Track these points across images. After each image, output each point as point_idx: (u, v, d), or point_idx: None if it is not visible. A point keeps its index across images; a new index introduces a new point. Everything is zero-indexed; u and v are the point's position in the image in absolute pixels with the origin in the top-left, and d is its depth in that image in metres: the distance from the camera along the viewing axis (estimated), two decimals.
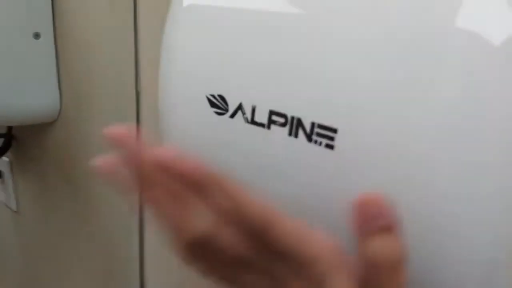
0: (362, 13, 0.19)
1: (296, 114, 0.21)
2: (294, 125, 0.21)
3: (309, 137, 0.21)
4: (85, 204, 0.67)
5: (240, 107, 0.23)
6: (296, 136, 0.21)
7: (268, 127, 0.22)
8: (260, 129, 0.22)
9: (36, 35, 0.57)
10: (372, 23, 0.19)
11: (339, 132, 0.20)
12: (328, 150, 0.20)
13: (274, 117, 0.22)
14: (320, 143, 0.20)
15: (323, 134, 0.20)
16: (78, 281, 0.73)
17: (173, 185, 0.18)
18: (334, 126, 0.20)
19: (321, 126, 0.20)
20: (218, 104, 0.24)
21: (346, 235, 0.21)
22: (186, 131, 0.26)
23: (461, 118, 0.18)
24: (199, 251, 0.19)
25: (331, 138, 0.20)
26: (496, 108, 0.18)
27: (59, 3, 0.57)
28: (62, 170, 0.68)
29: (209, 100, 0.24)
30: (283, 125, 0.21)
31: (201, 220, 0.18)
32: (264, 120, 0.22)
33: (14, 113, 0.61)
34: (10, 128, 0.70)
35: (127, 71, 0.53)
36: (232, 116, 0.23)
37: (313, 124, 0.20)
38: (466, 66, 0.18)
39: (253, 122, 0.23)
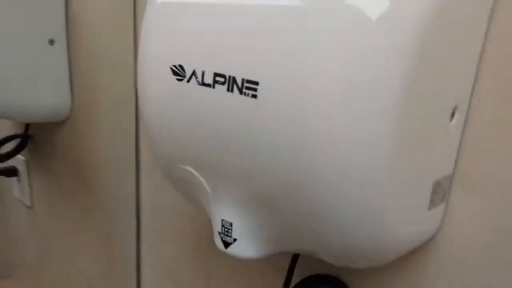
0: None
1: (232, 74, 0.27)
2: (231, 83, 0.27)
3: (240, 91, 0.27)
4: (91, 198, 0.73)
5: (193, 73, 0.29)
6: (232, 91, 0.27)
7: (213, 87, 0.28)
8: (207, 88, 0.28)
9: (51, 41, 0.65)
10: None
11: (260, 84, 0.26)
12: (253, 99, 0.26)
13: (217, 78, 0.28)
14: (248, 94, 0.26)
15: (249, 87, 0.26)
16: (84, 267, 0.78)
17: None
18: (254, 79, 0.26)
19: (248, 81, 0.26)
20: (179, 72, 0.30)
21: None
22: (155, 95, 0.32)
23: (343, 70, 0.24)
24: None
25: (255, 90, 0.26)
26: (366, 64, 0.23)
27: (71, 12, 0.65)
28: (72, 167, 0.75)
29: (172, 69, 0.30)
30: (223, 83, 0.28)
31: None
32: (210, 81, 0.28)
33: (30, 111, 0.68)
34: (26, 128, 0.78)
35: (130, 74, 0.60)
36: (188, 80, 0.30)
37: (242, 80, 0.26)
38: (349, 34, 0.24)
39: (203, 84, 0.29)
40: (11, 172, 0.86)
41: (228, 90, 0.27)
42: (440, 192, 0.33)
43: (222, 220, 0.33)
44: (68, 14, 0.65)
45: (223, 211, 0.33)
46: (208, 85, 0.28)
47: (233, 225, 0.33)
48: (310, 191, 0.26)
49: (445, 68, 0.28)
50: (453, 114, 0.30)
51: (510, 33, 0.30)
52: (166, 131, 0.33)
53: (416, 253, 0.37)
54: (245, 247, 0.33)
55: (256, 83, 0.26)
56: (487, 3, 0.30)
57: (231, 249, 0.33)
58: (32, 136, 0.79)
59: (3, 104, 0.64)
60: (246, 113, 0.27)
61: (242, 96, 0.27)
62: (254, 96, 0.26)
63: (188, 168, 0.33)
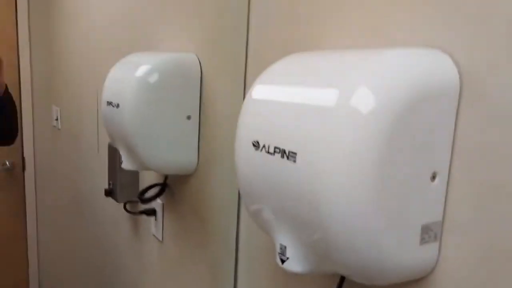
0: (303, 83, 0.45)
1: (283, 147, 0.46)
2: (282, 152, 0.46)
3: (287, 157, 0.45)
4: (205, 235, 0.95)
5: (263, 146, 0.48)
6: (283, 157, 0.46)
7: (273, 154, 0.47)
8: (270, 155, 0.47)
9: (188, 117, 0.90)
10: (303, 91, 0.44)
11: (298, 154, 0.44)
12: (294, 163, 0.44)
13: (276, 149, 0.47)
14: (291, 160, 0.45)
15: (292, 156, 0.44)
16: (194, 273, 0.99)
17: None
18: (294, 151, 0.44)
19: (291, 152, 0.45)
20: (255, 144, 0.50)
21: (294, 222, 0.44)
22: (242, 158, 0.52)
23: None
24: None
25: (294, 156, 0.44)
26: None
27: (203, 96, 0.90)
28: (194, 209, 0.98)
29: (252, 143, 0.50)
30: (278, 153, 0.46)
31: None
32: (272, 151, 0.47)
33: (169, 166, 0.93)
34: (165, 179, 1.04)
35: None
36: (261, 150, 0.49)
37: (288, 151, 0.45)
38: (348, 124, 0.41)
39: (268, 152, 0.48)
40: (151, 212, 1.12)
41: (281, 157, 0.46)
42: (431, 233, 0.46)
43: (280, 244, 0.51)
44: (201, 97, 0.90)
45: (280, 238, 0.51)
46: (271, 153, 0.47)
47: (287, 248, 0.50)
48: (324, 228, 0.43)
49: (417, 147, 0.43)
50: (434, 177, 0.45)
51: (473, 123, 0.44)
52: (247, 181, 0.52)
53: (416, 285, 0.50)
54: (295, 264, 0.50)
55: (295, 154, 0.44)
56: (453, 104, 0.45)
57: (285, 265, 0.50)
58: (169, 185, 1.05)
59: (152, 160, 0.90)
60: (289, 171, 0.45)
61: (288, 161, 0.45)
62: (294, 160, 0.44)
63: (258, 206, 0.52)
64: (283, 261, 0.50)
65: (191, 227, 0.99)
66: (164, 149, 0.90)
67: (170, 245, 1.09)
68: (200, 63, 0.89)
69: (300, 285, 0.70)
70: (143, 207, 1.13)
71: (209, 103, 0.89)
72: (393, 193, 0.42)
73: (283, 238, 0.50)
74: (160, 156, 0.91)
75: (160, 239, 1.11)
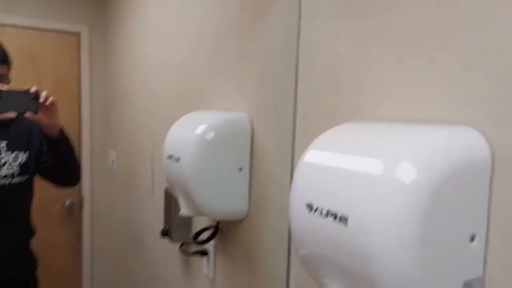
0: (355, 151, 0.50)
1: (335, 211, 0.51)
2: (334, 216, 0.51)
3: (339, 220, 0.50)
4: (254, 277, 0.99)
5: (317, 209, 0.54)
6: (335, 220, 0.51)
7: (326, 217, 0.52)
8: (323, 218, 0.53)
9: (240, 169, 0.97)
10: (353, 159, 0.49)
11: (349, 218, 0.49)
12: (345, 226, 0.50)
13: (329, 213, 0.52)
14: (342, 223, 0.50)
15: (343, 219, 0.50)
16: None
17: None
18: (346, 216, 0.49)
19: (343, 216, 0.50)
20: (309, 207, 0.55)
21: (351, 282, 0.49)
22: (297, 218, 0.58)
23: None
24: None
25: (346, 221, 0.49)
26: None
27: (254, 150, 0.97)
28: (244, 252, 1.03)
29: (306, 205, 0.56)
30: (331, 215, 0.52)
31: None
32: (324, 214, 0.53)
33: (222, 213, 1.00)
34: (218, 223, 1.10)
35: (287, 193, 0.87)
36: (314, 212, 0.54)
37: (341, 215, 0.50)
38: (393, 194, 0.46)
39: (321, 214, 0.53)
40: (204, 253, 1.18)
41: (334, 220, 0.51)
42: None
43: None
44: (252, 152, 0.97)
45: (331, 285, 0.55)
46: (324, 216, 0.53)
47: None
48: (374, 281, 0.48)
49: (455, 213, 0.47)
50: (472, 239, 0.49)
51: (506, 191, 0.48)
52: (301, 240, 0.57)
53: None
54: None
55: (346, 218, 0.49)
56: (486, 176, 0.49)
57: None
58: (221, 229, 1.11)
59: (208, 207, 0.97)
60: (341, 233, 0.50)
61: (340, 224, 0.50)
62: (345, 224, 0.49)
63: (312, 257, 0.57)
64: None
65: (241, 268, 1.04)
66: (218, 197, 0.96)
67: (221, 284, 1.14)
68: (251, 122, 0.97)
69: None
70: (196, 248, 1.19)
71: (259, 157, 0.96)
72: (434, 253, 0.46)
73: (334, 285, 0.55)
74: (215, 203, 0.97)
75: (211, 277, 1.17)
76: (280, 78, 0.86)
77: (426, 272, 0.47)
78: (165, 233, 1.28)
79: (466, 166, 0.47)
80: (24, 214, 1.43)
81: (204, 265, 1.21)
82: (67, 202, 2.04)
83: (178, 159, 0.96)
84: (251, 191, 0.99)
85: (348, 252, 0.50)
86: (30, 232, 1.46)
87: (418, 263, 0.46)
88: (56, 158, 1.34)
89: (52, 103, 1.25)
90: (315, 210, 0.54)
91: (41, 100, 1.22)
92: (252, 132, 0.97)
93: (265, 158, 0.94)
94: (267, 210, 0.94)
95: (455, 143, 0.48)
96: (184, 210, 1.01)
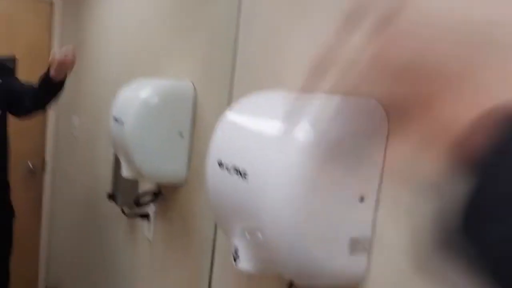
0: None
1: (238, 167, 0.51)
2: (239, 171, 0.51)
3: (241, 175, 0.50)
4: (188, 238, 0.99)
5: (224, 165, 0.54)
6: (237, 175, 0.51)
7: (230, 173, 0.52)
8: (229, 173, 0.53)
9: (181, 134, 0.96)
10: (260, 121, 0.49)
11: (248, 173, 0.49)
12: (245, 181, 0.50)
13: (233, 169, 0.52)
14: (243, 177, 0.50)
15: (245, 174, 0.50)
16: (177, 270, 1.03)
17: None
18: (246, 171, 0.49)
19: (244, 172, 0.50)
20: (220, 163, 0.55)
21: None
22: (210, 173, 0.58)
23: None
24: None
25: (246, 176, 0.50)
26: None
27: (196, 117, 0.96)
28: (182, 216, 1.03)
29: (218, 162, 0.56)
30: (234, 171, 0.52)
31: None
32: (231, 169, 0.53)
33: (161, 176, 0.99)
34: (159, 188, 1.09)
35: None
36: (223, 168, 0.54)
37: (242, 171, 0.50)
38: (288, 150, 0.47)
39: (227, 170, 0.53)
40: (145, 216, 1.17)
41: (237, 175, 0.51)
42: (360, 245, 0.51)
43: (234, 245, 0.56)
44: (194, 118, 0.96)
45: (235, 240, 0.56)
46: (230, 172, 0.53)
47: (238, 249, 0.55)
48: (265, 233, 0.48)
49: (347, 173, 0.48)
50: (362, 200, 0.50)
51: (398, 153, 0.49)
52: (213, 192, 0.58)
53: None
54: (245, 263, 0.55)
55: (246, 174, 0.50)
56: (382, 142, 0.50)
57: (237, 263, 0.55)
58: (162, 193, 1.10)
59: (147, 170, 0.96)
60: (242, 187, 0.50)
61: (242, 179, 0.50)
62: (246, 179, 0.50)
63: (221, 213, 0.57)
64: (235, 260, 0.55)
65: (177, 232, 1.04)
66: (158, 161, 0.95)
67: (159, 246, 1.14)
68: (194, 90, 0.96)
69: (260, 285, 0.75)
70: (139, 211, 1.18)
71: (200, 123, 0.95)
72: (322, 209, 0.47)
73: (236, 240, 0.55)
74: (154, 166, 0.96)
75: (151, 239, 1.16)
76: (221, 49, 0.86)
77: (312, 226, 0.47)
78: (111, 196, 1.27)
79: (361, 131, 0.48)
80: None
81: (145, 228, 1.20)
82: (30, 165, 1.99)
83: (122, 123, 0.94)
84: (191, 158, 0.98)
85: (247, 206, 0.50)
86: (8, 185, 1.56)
87: (305, 217, 0.47)
88: (42, 96, 1.40)
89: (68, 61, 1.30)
90: (225, 167, 0.54)
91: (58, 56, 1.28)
92: (195, 100, 0.96)
93: (205, 126, 0.94)
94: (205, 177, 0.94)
95: (353, 109, 0.49)
96: (125, 172, 1.00)
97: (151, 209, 1.15)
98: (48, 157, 2.03)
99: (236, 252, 0.55)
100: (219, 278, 0.89)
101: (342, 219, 0.49)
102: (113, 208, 1.44)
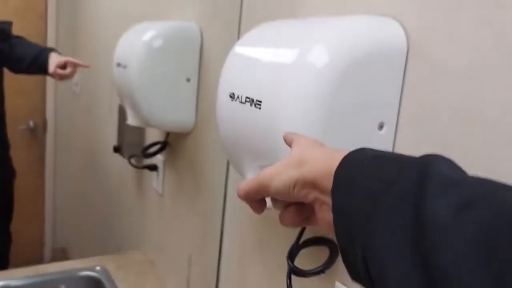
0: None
1: (252, 96, 0.50)
2: (251, 101, 0.50)
3: (255, 105, 0.50)
4: (201, 189, 1.00)
5: (237, 96, 0.53)
6: (252, 105, 0.50)
7: (245, 103, 0.52)
8: (242, 104, 0.52)
9: (188, 80, 0.95)
10: (271, 50, 0.48)
11: (263, 101, 0.49)
12: (259, 109, 0.49)
13: (247, 99, 0.51)
14: (257, 107, 0.49)
15: (258, 103, 0.49)
16: (187, 223, 1.05)
17: None
18: (260, 99, 0.49)
19: (257, 100, 0.49)
20: (231, 95, 0.54)
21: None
22: (221, 106, 0.57)
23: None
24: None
25: (260, 104, 0.49)
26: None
27: (203, 61, 0.94)
28: (191, 165, 1.03)
29: (229, 94, 0.55)
30: (248, 101, 0.51)
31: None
32: (244, 101, 0.52)
33: (168, 123, 0.98)
34: (166, 136, 1.09)
35: None
36: (235, 100, 0.54)
37: (256, 100, 0.50)
38: (304, 75, 0.46)
39: (241, 102, 0.52)
40: (153, 167, 1.18)
41: (251, 105, 0.51)
42: None
43: None
44: (201, 62, 0.94)
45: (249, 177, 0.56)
46: (243, 103, 0.52)
47: None
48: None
49: (364, 99, 0.47)
50: (381, 126, 0.49)
51: (422, 76, 0.48)
52: (224, 127, 0.57)
53: None
54: None
55: (260, 101, 0.49)
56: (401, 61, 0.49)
57: None
58: (169, 143, 1.10)
59: (153, 117, 0.95)
60: (255, 115, 0.50)
61: (255, 108, 0.50)
62: (260, 107, 0.49)
63: (234, 148, 0.57)
64: None
65: (187, 181, 1.05)
66: (164, 107, 0.95)
67: (169, 197, 1.15)
68: (201, 32, 0.94)
69: (276, 232, 0.75)
70: (146, 162, 1.19)
71: (207, 67, 0.94)
72: (339, 136, 0.47)
73: (250, 174, 0.55)
74: (161, 113, 0.96)
75: (160, 192, 1.18)
76: None
77: None
78: (117, 149, 1.27)
79: (380, 53, 0.47)
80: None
81: (153, 180, 1.21)
82: (31, 124, 1.99)
83: (125, 67, 0.93)
84: (198, 103, 0.97)
85: (262, 136, 0.50)
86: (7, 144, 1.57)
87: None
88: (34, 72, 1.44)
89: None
90: (236, 98, 0.53)
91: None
92: (202, 43, 0.94)
93: (213, 69, 0.92)
94: (213, 123, 0.93)
95: (370, 31, 0.47)
96: (131, 120, 1.00)
97: (159, 159, 1.16)
98: (49, 116, 2.03)
99: None
100: (231, 225, 0.90)
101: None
102: (119, 162, 1.45)
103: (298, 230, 0.51)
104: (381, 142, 0.50)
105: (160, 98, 0.94)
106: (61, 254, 2.02)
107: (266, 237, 0.77)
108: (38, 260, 2.04)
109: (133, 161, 1.17)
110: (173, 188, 1.12)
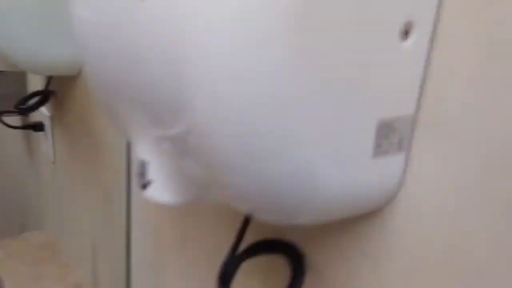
0: None
1: None
2: None
3: None
4: (99, 155, 0.71)
5: None
6: None
7: None
8: None
9: None
10: None
11: None
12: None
13: None
14: None
15: None
16: (89, 202, 0.77)
17: None
18: None
19: None
20: None
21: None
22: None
23: None
24: None
25: None
26: None
27: None
28: (85, 121, 0.73)
29: None
30: None
31: None
32: None
33: (45, 64, 0.67)
34: (47, 83, 0.77)
35: None
36: None
37: None
38: None
39: None
40: (38, 127, 0.86)
41: None
42: (393, 137, 0.26)
43: (140, 159, 0.28)
44: None
45: (140, 149, 0.28)
46: None
47: (150, 164, 0.28)
48: (194, 115, 0.21)
49: None
50: (406, 33, 0.23)
51: None
52: (87, 34, 0.29)
53: (372, 216, 0.30)
54: (161, 191, 0.28)
55: None
56: None
57: (148, 192, 0.28)
58: (55, 92, 0.79)
59: (19, 55, 0.63)
60: (140, 15, 0.22)
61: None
62: None
63: (106, 86, 0.29)
64: (144, 187, 0.28)
65: (80, 143, 0.75)
66: (30, 37, 0.63)
67: (61, 165, 0.85)
68: None
69: (202, 212, 0.49)
70: (29, 120, 0.87)
71: None
72: (324, 60, 0.20)
73: (146, 153, 0.28)
74: (30, 49, 0.64)
75: (52, 160, 0.87)
76: None
77: (305, 103, 0.21)
78: None
79: None
80: None
81: (42, 143, 0.90)
82: None
83: None
84: None
85: (153, 52, 0.22)
86: None
87: (287, 83, 0.20)
88: None
89: None
90: None
91: None
92: None
93: None
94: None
95: None
96: None
97: (45, 115, 0.84)
98: None
99: (143, 170, 0.28)
100: (139, 201, 0.63)
101: (366, 82, 0.23)
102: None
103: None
104: (403, 65, 0.24)
105: (27, 27, 0.62)
106: None
107: (189, 229, 0.51)
108: None
109: (7, 119, 0.85)
110: (65, 153, 0.82)
